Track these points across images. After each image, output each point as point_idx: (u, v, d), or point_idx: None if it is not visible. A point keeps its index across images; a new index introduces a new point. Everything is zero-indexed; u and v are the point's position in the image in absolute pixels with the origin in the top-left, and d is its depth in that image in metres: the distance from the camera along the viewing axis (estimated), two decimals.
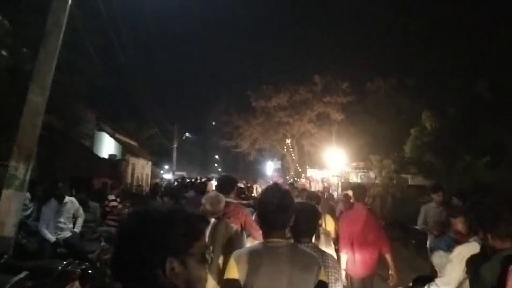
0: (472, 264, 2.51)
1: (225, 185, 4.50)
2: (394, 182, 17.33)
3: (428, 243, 6.75)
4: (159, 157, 32.09)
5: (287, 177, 30.44)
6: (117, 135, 20.73)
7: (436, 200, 6.71)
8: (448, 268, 2.78)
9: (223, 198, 3.88)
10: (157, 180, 24.52)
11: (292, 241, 2.50)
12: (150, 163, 26.13)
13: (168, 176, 35.44)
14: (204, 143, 52.82)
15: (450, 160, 14.83)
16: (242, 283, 2.10)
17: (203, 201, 3.78)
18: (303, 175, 27.28)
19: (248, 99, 27.11)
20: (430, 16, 18.32)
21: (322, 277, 2.18)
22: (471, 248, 2.66)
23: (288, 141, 29.27)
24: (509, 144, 13.71)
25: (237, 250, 2.33)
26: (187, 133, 36.49)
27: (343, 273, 4.68)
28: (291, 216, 2.27)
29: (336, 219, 5.89)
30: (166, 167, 39.75)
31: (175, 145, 33.34)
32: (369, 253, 4.82)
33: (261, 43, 70.76)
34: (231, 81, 71.27)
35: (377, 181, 17.84)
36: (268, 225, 2.25)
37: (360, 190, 5.45)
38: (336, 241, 5.00)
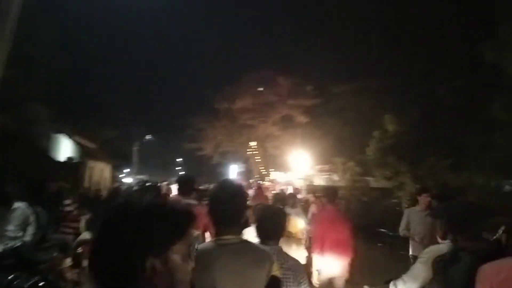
0: (441, 265, 2.56)
1: (185, 186, 4.49)
2: (358, 185, 17.47)
3: (411, 249, 6.26)
4: (119, 160, 31.09)
5: (251, 180, 30.23)
6: (75, 137, 19.84)
7: (423, 202, 6.17)
8: (416, 266, 2.80)
9: (186, 204, 3.71)
10: (116, 184, 23.72)
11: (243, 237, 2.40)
12: (109, 166, 25.18)
13: (128, 179, 34.51)
14: (167, 146, 51.79)
15: (413, 163, 15.01)
16: (193, 282, 1.94)
17: None
18: (267, 178, 27.14)
19: (212, 101, 26.73)
20: (393, 20, 18.57)
21: (275, 272, 2.18)
22: (440, 249, 2.72)
23: (252, 143, 29.07)
24: (471, 146, 14.01)
25: None
26: (148, 135, 35.62)
27: (316, 273, 5.06)
28: (244, 212, 2.26)
29: (308, 221, 6.09)
30: (127, 170, 38.73)
31: (136, 148, 32.45)
32: (340, 252, 5.06)
33: (225, 44, 70.13)
34: (194, 82, 70.04)
35: (341, 184, 17.93)
36: (220, 222, 2.20)
37: (331, 191, 5.75)
38: (308, 242, 5.31)
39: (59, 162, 17.37)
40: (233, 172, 38.46)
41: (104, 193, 19.48)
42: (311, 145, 21.86)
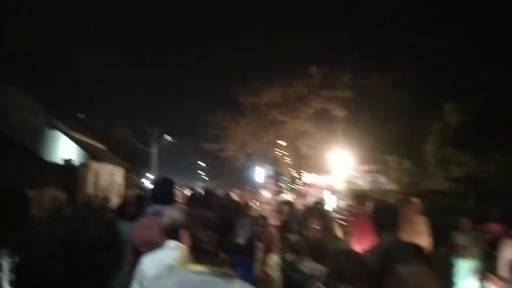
0: None
1: (161, 192, 3.75)
2: (415, 187, 14.52)
3: None
4: (135, 163, 28.65)
5: (281, 183, 27.15)
6: (75, 135, 17.23)
7: None
8: None
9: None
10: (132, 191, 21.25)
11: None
12: (121, 169, 22.46)
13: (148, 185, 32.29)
14: (189, 148, 49.17)
15: (482, 159, 13.10)
16: None
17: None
18: (298, 181, 23.99)
19: (235, 96, 23.82)
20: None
21: None
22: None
23: (282, 143, 25.92)
24: None
25: None
26: (166, 136, 33.05)
27: None
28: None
29: None
30: (149, 175, 36.52)
31: (156, 150, 30.06)
32: None
33: (248, 32, 66.50)
34: (216, 75, 65.23)
35: (392, 187, 15.22)
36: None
37: (362, 196, 6.99)
38: None
39: (53, 165, 14.76)
40: (260, 175, 35.49)
41: (115, 200, 16.96)
42: (352, 143, 18.83)
